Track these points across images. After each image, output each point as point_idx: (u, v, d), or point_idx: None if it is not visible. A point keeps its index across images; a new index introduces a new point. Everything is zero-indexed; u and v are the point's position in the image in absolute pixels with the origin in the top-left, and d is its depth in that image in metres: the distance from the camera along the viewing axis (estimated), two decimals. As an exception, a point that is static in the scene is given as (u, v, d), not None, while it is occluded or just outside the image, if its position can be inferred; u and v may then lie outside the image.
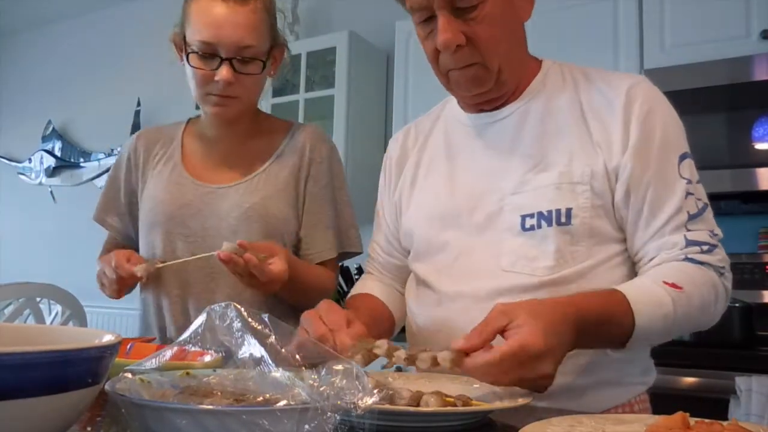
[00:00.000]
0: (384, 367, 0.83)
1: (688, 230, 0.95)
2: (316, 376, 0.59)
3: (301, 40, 3.29)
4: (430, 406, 0.71)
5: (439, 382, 0.85)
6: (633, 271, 1.00)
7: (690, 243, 0.94)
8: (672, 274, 0.92)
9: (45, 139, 4.63)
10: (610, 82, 1.02)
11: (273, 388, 0.60)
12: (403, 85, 2.87)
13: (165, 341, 1.32)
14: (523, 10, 1.04)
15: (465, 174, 1.08)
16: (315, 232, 1.35)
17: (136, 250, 1.37)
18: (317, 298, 1.35)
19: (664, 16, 2.33)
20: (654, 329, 0.90)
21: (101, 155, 4.34)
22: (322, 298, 1.37)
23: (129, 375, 0.62)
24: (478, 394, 0.80)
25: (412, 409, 0.70)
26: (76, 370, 0.49)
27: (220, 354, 0.79)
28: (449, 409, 0.71)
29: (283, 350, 0.66)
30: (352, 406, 0.55)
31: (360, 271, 2.74)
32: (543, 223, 0.97)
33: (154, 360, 0.67)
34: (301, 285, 1.27)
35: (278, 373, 0.61)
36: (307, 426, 0.53)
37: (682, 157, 0.98)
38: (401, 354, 0.79)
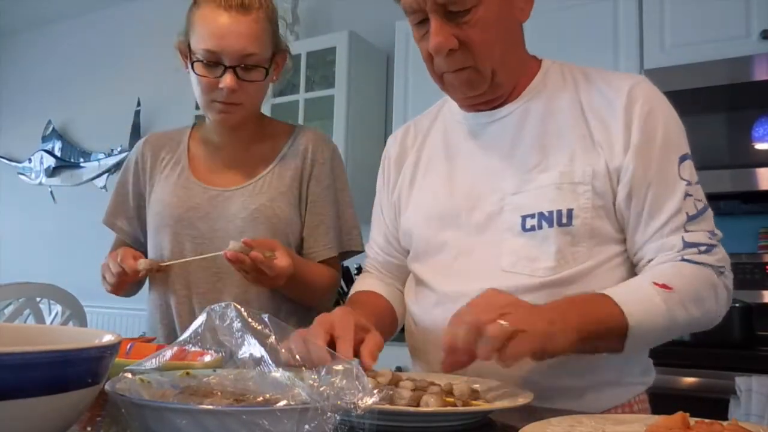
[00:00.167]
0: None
1: (687, 231, 0.95)
2: (316, 376, 0.59)
3: (301, 40, 3.29)
4: (430, 406, 0.71)
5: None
6: (633, 272, 1.00)
7: (687, 245, 0.94)
8: (664, 275, 0.92)
9: (45, 139, 4.63)
10: (610, 82, 1.02)
11: (273, 388, 0.60)
12: (403, 85, 2.87)
13: (172, 342, 1.34)
14: (521, 11, 1.03)
15: (464, 174, 1.08)
16: (317, 231, 1.38)
17: (145, 253, 1.40)
18: (321, 296, 1.37)
19: (664, 16, 2.33)
20: (649, 330, 0.89)
21: (101, 155, 4.34)
22: (326, 295, 1.40)
23: (129, 375, 0.62)
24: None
25: (412, 409, 0.70)
26: (76, 370, 0.49)
27: (220, 354, 0.79)
28: (449, 409, 0.71)
29: (283, 350, 0.66)
30: (352, 406, 0.55)
31: (360, 271, 2.73)
32: (544, 223, 0.97)
33: (154, 360, 0.67)
34: (305, 282, 1.30)
35: (278, 373, 0.61)
36: (307, 426, 0.53)
37: (683, 158, 0.98)
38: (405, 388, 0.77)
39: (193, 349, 0.76)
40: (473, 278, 1.00)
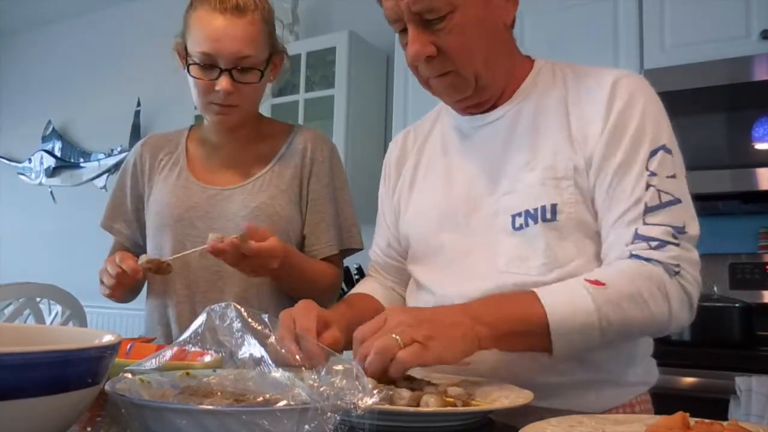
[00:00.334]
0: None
1: (645, 224, 0.91)
2: (316, 377, 0.59)
3: (301, 40, 3.29)
4: (430, 406, 0.71)
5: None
6: None
7: (638, 238, 0.91)
8: (600, 272, 0.90)
9: (45, 139, 4.63)
10: (596, 77, 1.01)
11: (273, 388, 0.60)
12: (403, 85, 2.87)
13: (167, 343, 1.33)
14: (504, 12, 1.02)
15: (461, 176, 1.08)
16: (318, 229, 1.38)
17: None
18: (323, 293, 1.38)
19: (664, 16, 2.33)
20: (575, 329, 0.85)
21: (101, 155, 4.34)
22: (328, 292, 1.40)
23: (129, 375, 0.62)
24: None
25: (412, 409, 0.70)
26: (76, 370, 0.49)
27: (220, 354, 0.79)
28: (449, 409, 0.71)
29: (279, 348, 0.66)
30: (352, 406, 0.55)
31: (360, 271, 2.74)
32: (530, 221, 0.97)
33: (154, 360, 0.67)
34: (307, 277, 1.31)
35: (278, 373, 0.61)
36: (307, 426, 0.53)
37: (656, 150, 0.94)
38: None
39: (193, 349, 0.76)
40: (471, 280, 1.00)
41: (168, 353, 0.69)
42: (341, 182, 1.44)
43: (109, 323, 3.90)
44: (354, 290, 1.23)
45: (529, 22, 2.48)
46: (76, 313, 2.06)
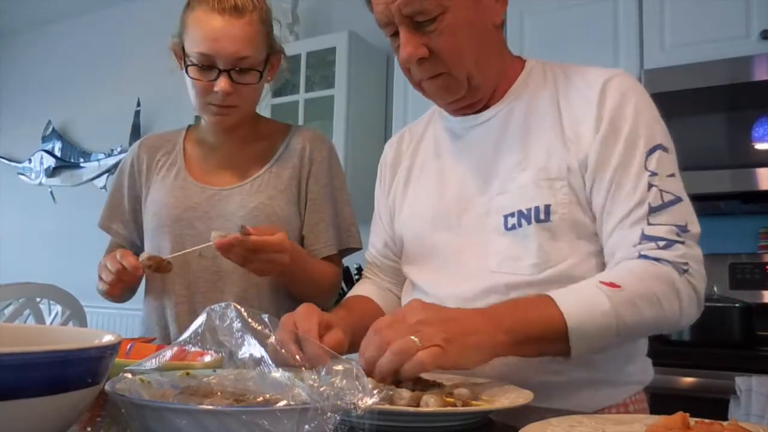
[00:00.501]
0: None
1: (650, 224, 0.91)
2: (316, 377, 0.59)
3: (301, 40, 3.29)
4: (430, 406, 0.71)
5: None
6: None
7: (645, 238, 0.91)
8: (612, 274, 0.90)
9: (45, 139, 4.63)
10: (586, 77, 1.02)
11: (273, 388, 0.60)
12: (403, 85, 2.87)
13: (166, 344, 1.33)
14: (494, 13, 1.02)
15: (453, 177, 1.09)
16: (317, 229, 1.38)
17: None
18: (324, 292, 1.38)
19: (664, 16, 2.33)
20: (593, 331, 0.85)
21: (101, 155, 4.34)
22: (329, 292, 1.40)
23: (129, 375, 0.62)
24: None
25: (412, 409, 0.70)
26: (76, 370, 0.49)
27: (220, 354, 0.78)
28: (449, 409, 0.71)
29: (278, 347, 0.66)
30: (352, 406, 0.55)
31: (360, 271, 2.74)
32: (523, 221, 0.97)
33: (154, 360, 0.67)
34: (308, 276, 1.31)
35: (278, 373, 0.61)
36: (307, 426, 0.53)
37: (652, 150, 0.95)
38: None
39: (193, 349, 0.76)
40: (464, 280, 1.01)
41: (168, 353, 0.69)
42: (340, 182, 1.44)
43: (109, 323, 3.90)
44: (351, 293, 1.23)
45: (529, 22, 2.48)
46: (76, 313, 2.06)
